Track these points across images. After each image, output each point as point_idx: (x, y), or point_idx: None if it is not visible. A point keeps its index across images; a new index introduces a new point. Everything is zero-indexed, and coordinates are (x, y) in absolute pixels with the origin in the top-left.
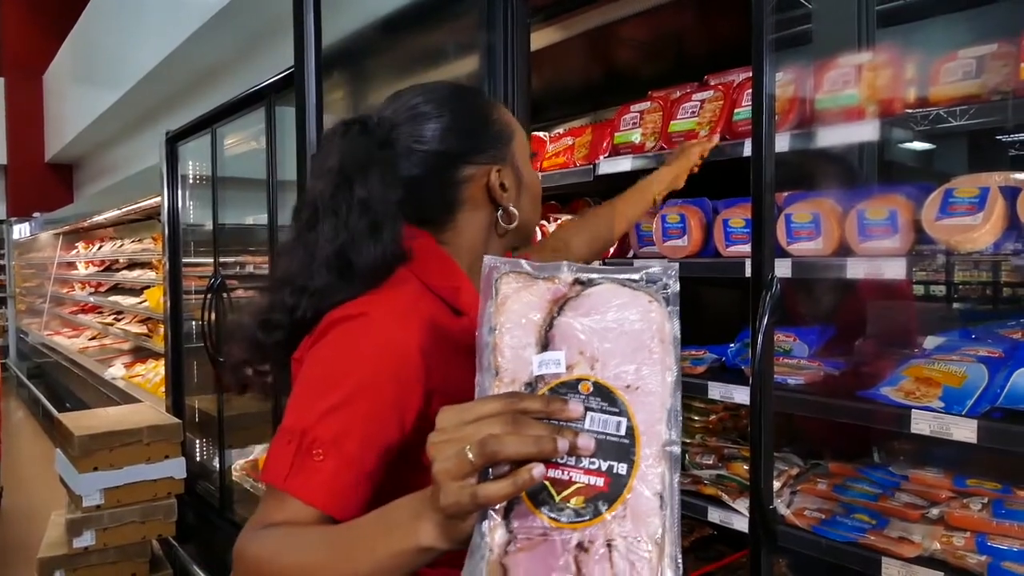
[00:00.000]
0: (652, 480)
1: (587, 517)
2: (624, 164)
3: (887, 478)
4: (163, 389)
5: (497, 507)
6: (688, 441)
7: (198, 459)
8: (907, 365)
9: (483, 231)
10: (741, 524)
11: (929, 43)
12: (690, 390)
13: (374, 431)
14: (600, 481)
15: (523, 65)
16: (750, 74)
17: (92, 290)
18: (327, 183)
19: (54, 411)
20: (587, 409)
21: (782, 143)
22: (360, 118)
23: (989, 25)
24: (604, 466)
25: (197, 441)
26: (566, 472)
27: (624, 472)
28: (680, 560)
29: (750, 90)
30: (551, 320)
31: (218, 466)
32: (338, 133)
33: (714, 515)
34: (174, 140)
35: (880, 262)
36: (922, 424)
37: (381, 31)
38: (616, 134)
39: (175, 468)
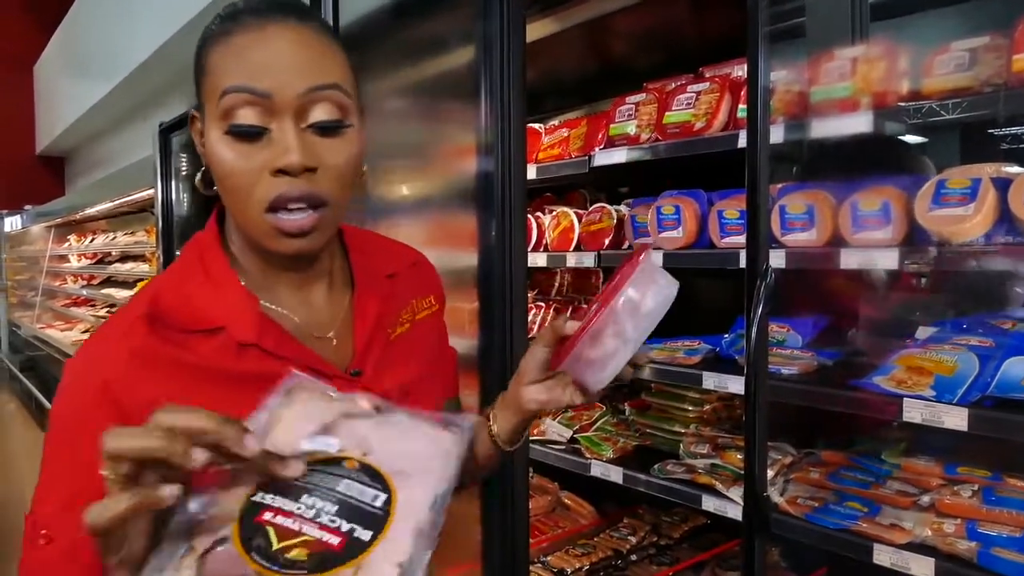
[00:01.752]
0: (398, 552)
1: (304, 570)
2: (619, 156)
3: (879, 466)
4: None
5: (197, 544)
6: (682, 431)
7: None
8: (899, 355)
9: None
10: (735, 512)
11: (921, 36)
12: (684, 380)
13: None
14: (335, 540)
15: (519, 55)
16: (746, 67)
17: (85, 283)
18: None
19: (47, 403)
20: (345, 478)
21: (776, 135)
22: None
23: (981, 18)
24: (345, 527)
25: None
26: (297, 523)
27: (367, 539)
28: None
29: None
30: (336, 421)
31: None
32: None
33: (708, 503)
34: (167, 132)
35: (873, 253)
36: (914, 412)
37: (376, 20)
38: (611, 126)
39: None
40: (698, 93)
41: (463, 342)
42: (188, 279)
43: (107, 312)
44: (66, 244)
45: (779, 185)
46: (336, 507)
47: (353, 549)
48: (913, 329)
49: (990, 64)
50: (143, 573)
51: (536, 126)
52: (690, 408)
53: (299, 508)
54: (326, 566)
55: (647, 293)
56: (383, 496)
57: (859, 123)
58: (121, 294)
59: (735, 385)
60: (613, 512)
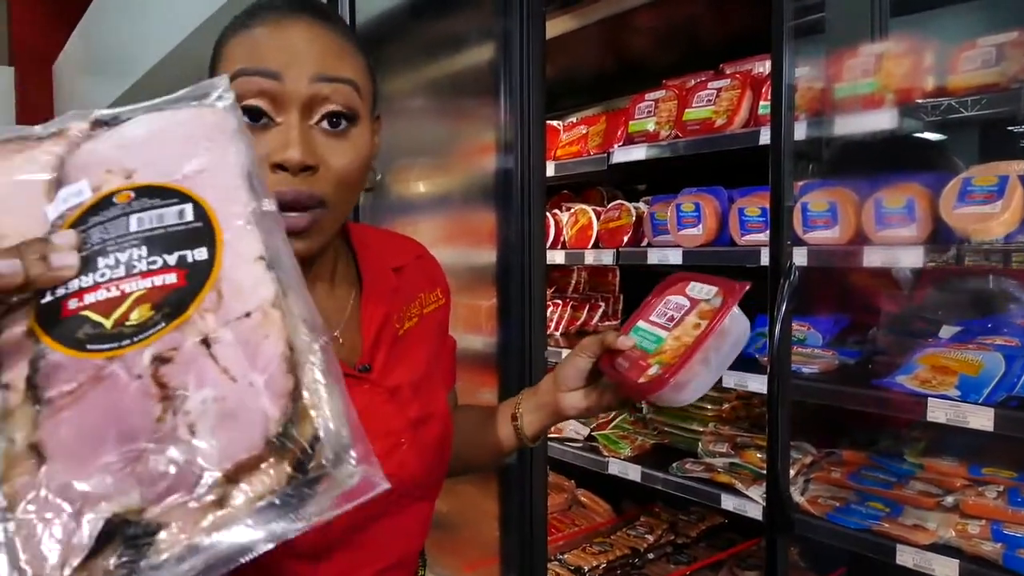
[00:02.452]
0: (248, 248)
1: (161, 324)
2: (639, 152)
3: (902, 466)
4: None
5: (6, 381)
6: (701, 430)
7: None
8: (922, 353)
9: None
10: (755, 512)
11: (942, 32)
12: None
13: None
14: (172, 277)
15: (538, 53)
16: (768, 64)
17: None
18: None
19: None
20: (129, 214)
21: (799, 132)
22: None
23: (1003, 14)
24: (172, 259)
25: None
26: (112, 287)
27: (205, 255)
28: (316, 317)
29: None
30: (64, 161)
31: None
32: None
33: (728, 502)
34: None
35: (897, 250)
36: (938, 412)
37: (397, 18)
38: (631, 122)
39: None
40: (719, 90)
41: (481, 339)
42: None
43: None
44: None
45: (801, 182)
46: (144, 247)
47: (199, 273)
48: (936, 328)
49: (1018, 60)
50: None
51: (554, 123)
52: (708, 406)
53: (103, 275)
54: (181, 307)
55: (736, 325)
56: (187, 206)
57: (883, 120)
58: None
59: (755, 383)
60: (630, 510)
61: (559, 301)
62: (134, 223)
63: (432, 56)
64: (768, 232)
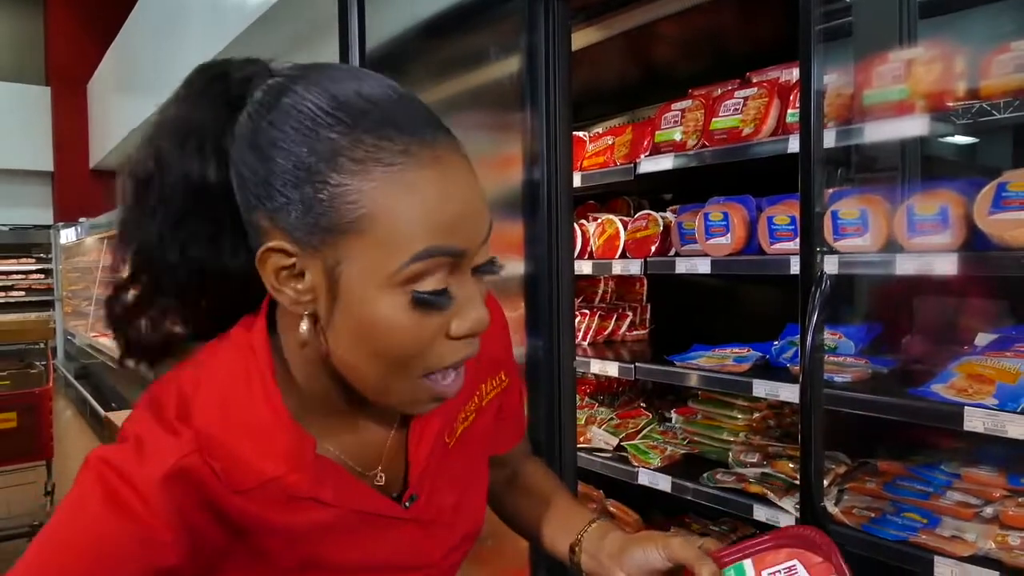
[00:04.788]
0: None
1: None
2: (666, 163)
3: (939, 476)
4: None
5: None
6: (732, 439)
7: None
8: (958, 362)
9: (294, 339)
10: (787, 522)
11: (971, 34)
12: (734, 388)
13: None
14: None
15: (564, 66)
16: (794, 72)
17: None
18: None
19: (101, 410)
20: None
21: (828, 139)
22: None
23: None
24: None
25: None
26: None
27: None
28: None
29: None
30: None
31: None
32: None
33: (760, 513)
34: None
35: (930, 258)
36: (975, 421)
37: (424, 34)
38: (657, 132)
39: None
40: (746, 99)
41: None
42: (232, 404)
43: None
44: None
45: (831, 190)
46: None
47: None
48: (971, 336)
49: None
50: None
51: (580, 134)
52: (739, 416)
53: None
54: None
55: None
56: None
57: (915, 126)
58: None
59: (787, 393)
60: (660, 521)
61: (587, 311)
62: None
63: (456, 72)
64: (798, 240)
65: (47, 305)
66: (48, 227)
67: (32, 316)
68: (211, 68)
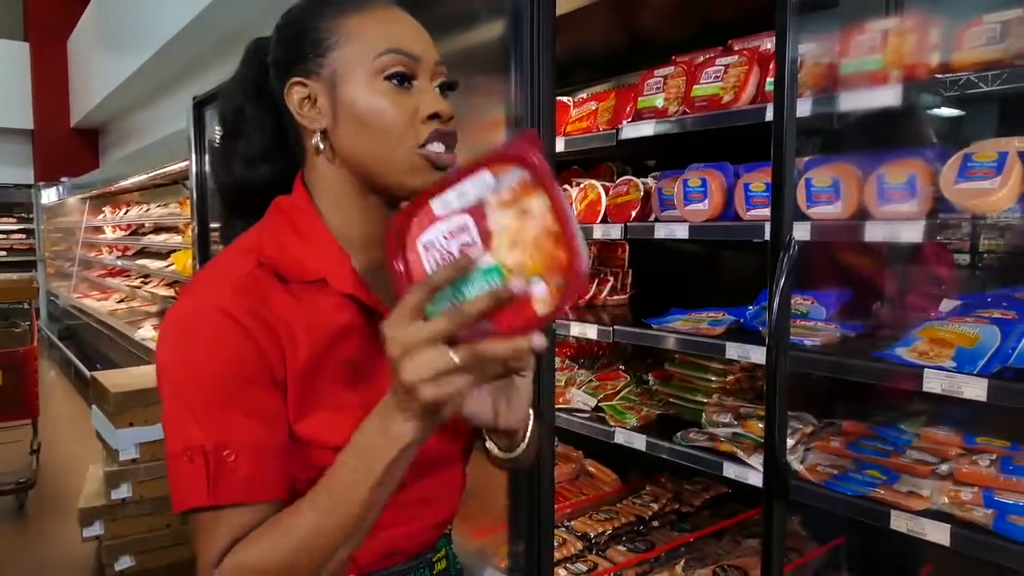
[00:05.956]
0: None
1: None
2: (647, 129)
3: (900, 436)
4: None
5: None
6: (705, 400)
7: None
8: (922, 327)
9: (328, 168)
10: (755, 479)
11: (956, 7)
12: (708, 350)
13: (259, 407)
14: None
15: (549, 30)
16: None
17: (119, 254)
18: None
19: (86, 371)
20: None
21: (804, 108)
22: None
23: None
24: None
25: None
26: None
27: None
28: None
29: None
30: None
31: None
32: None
33: (729, 470)
34: (201, 105)
35: (898, 225)
36: (934, 383)
37: None
38: (640, 98)
39: None
40: (726, 66)
41: None
42: (281, 236)
43: (141, 282)
44: (101, 216)
45: (806, 158)
46: None
47: None
48: (938, 302)
49: (1022, 37)
50: None
51: (564, 99)
52: (713, 378)
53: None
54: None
55: None
56: None
57: (888, 96)
58: (155, 264)
59: (758, 355)
60: (636, 480)
61: None
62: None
63: (439, 33)
64: None
65: (29, 265)
66: (29, 186)
67: (14, 276)
68: (252, 42)
